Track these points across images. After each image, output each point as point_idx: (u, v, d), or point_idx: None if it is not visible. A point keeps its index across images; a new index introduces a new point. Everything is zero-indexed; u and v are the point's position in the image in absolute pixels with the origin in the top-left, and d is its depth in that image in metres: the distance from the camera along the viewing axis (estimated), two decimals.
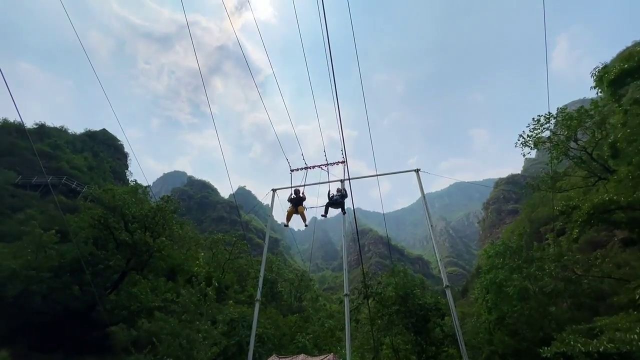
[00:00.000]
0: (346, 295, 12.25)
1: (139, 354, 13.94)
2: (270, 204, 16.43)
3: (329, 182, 12.78)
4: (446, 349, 16.45)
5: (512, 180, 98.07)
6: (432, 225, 13.19)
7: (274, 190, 17.13)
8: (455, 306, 11.15)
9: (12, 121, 41.94)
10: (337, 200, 11.22)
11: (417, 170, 15.32)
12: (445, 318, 17.28)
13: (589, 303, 14.53)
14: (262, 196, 16.00)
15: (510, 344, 14.71)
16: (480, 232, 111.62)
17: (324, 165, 13.04)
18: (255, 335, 12.17)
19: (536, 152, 20.56)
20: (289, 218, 11.37)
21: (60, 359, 16.07)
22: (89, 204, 28.42)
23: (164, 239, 22.01)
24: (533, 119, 18.03)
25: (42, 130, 47.06)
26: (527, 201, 43.47)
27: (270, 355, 16.71)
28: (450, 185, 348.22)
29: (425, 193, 13.50)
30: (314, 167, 13.99)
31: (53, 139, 45.90)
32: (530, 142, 18.27)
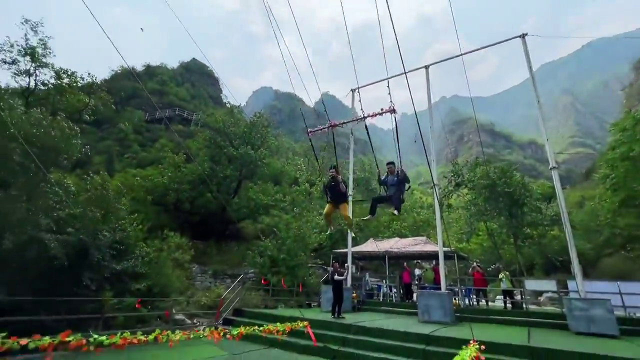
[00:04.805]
0: (435, 185, 12.39)
1: (265, 240, 17.80)
2: (351, 104, 16.36)
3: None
4: (552, 230, 15.58)
5: None
6: (539, 102, 11.16)
7: (353, 91, 16.75)
8: (563, 188, 10.07)
9: (126, 67, 48.94)
10: (393, 181, 6.99)
11: (522, 36, 12.39)
12: (554, 201, 15.85)
13: None
14: (346, 98, 15.65)
15: (636, 225, 12.87)
16: (624, 101, 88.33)
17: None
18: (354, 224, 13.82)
19: None
20: (328, 219, 7.53)
21: (214, 244, 21.83)
22: (200, 129, 33.32)
23: (263, 150, 25.09)
24: None
25: (149, 71, 53.84)
26: None
27: (367, 239, 19.05)
28: (582, 46, 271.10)
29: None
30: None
31: (159, 76, 52.38)
32: None
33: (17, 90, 16.56)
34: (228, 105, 45.06)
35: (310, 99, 7.45)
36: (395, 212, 7.17)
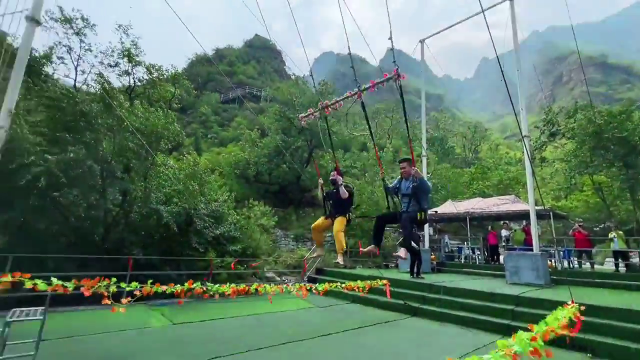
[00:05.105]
0: (526, 136, 11.02)
1: None
2: (420, 57, 15.06)
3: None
4: None
5: None
6: None
7: (421, 42, 15.33)
8: None
9: (200, 54, 52.96)
10: (407, 190, 4.84)
11: None
12: None
13: None
14: (413, 51, 14.49)
15: None
16: None
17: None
18: None
19: None
20: (318, 237, 5.97)
21: (293, 211, 23.53)
22: (269, 104, 34.87)
23: (331, 118, 25.28)
24: None
25: (218, 54, 57.37)
26: None
27: (445, 201, 18.17)
28: None
29: None
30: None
31: (228, 57, 55.51)
32: None
33: (122, 89, 19.54)
34: (292, 76, 45.79)
35: (375, 57, 7.15)
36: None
